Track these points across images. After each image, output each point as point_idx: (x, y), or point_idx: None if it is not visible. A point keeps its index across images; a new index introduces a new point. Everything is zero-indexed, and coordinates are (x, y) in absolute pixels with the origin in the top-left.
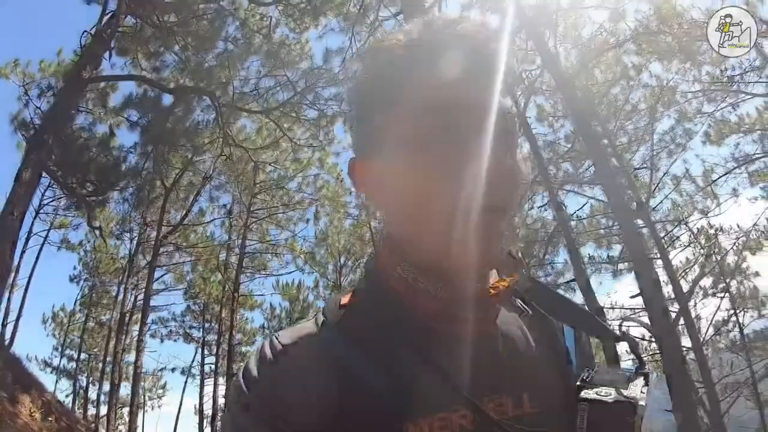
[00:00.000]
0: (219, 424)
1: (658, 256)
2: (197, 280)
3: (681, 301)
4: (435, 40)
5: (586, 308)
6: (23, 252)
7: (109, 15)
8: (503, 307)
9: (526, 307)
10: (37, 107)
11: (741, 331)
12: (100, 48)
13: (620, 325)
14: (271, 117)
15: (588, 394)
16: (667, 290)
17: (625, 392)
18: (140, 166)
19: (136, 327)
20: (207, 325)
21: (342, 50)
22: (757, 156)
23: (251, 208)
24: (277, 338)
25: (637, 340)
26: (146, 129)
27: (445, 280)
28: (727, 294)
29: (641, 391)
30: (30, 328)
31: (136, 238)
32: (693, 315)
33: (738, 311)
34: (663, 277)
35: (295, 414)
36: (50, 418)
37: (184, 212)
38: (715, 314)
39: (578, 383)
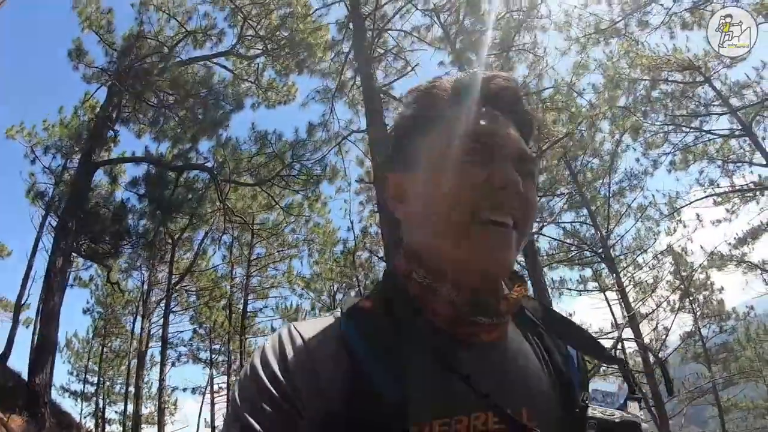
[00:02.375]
0: (230, 401)
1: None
2: (203, 308)
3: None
4: (473, 85)
5: (587, 330)
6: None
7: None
8: (513, 322)
9: (533, 325)
10: (45, 167)
11: (704, 343)
12: (105, 128)
13: (614, 348)
14: (264, 188)
15: (594, 413)
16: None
17: (626, 414)
18: (149, 228)
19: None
20: (214, 347)
21: (323, 123)
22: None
23: (251, 257)
24: (294, 327)
25: (627, 362)
26: (153, 200)
27: (460, 286)
28: (691, 309)
29: (640, 413)
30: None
31: (147, 282)
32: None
33: (701, 325)
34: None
35: (306, 399)
36: None
37: (189, 264)
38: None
39: (582, 402)
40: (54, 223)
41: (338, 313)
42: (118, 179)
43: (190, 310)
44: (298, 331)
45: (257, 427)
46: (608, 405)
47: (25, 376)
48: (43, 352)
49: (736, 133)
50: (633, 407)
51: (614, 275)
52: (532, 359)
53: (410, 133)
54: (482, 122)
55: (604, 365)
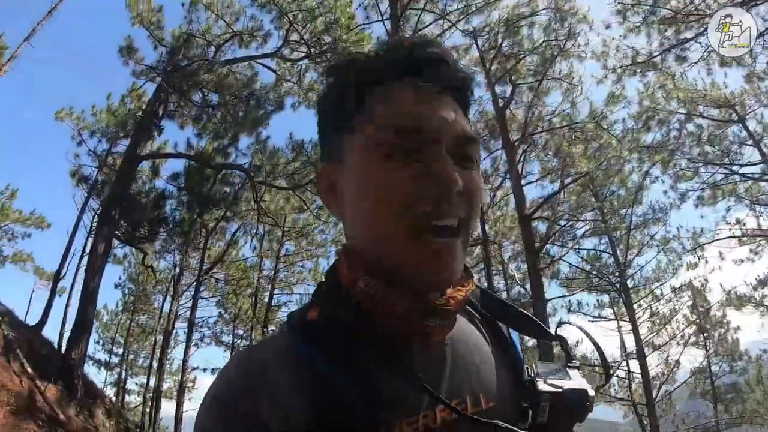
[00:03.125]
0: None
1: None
2: (230, 295)
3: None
4: (404, 60)
5: (526, 312)
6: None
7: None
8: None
9: (475, 312)
10: (90, 150)
11: (712, 381)
12: (151, 123)
13: (557, 328)
14: (297, 192)
15: (544, 386)
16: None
17: (571, 382)
18: (185, 218)
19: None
20: (237, 332)
21: None
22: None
23: (279, 253)
24: (249, 350)
25: (566, 338)
26: (191, 193)
27: (406, 294)
28: (705, 345)
29: (583, 380)
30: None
31: (179, 266)
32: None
33: (712, 363)
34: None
35: (269, 421)
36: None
37: (221, 253)
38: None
39: (530, 377)
40: (95, 205)
41: (286, 329)
42: (159, 171)
43: (217, 295)
44: (252, 355)
45: None
46: (554, 376)
47: (55, 344)
48: (80, 329)
49: (766, 177)
50: (574, 375)
51: (627, 306)
52: (482, 346)
53: (330, 120)
54: (408, 106)
55: (545, 341)
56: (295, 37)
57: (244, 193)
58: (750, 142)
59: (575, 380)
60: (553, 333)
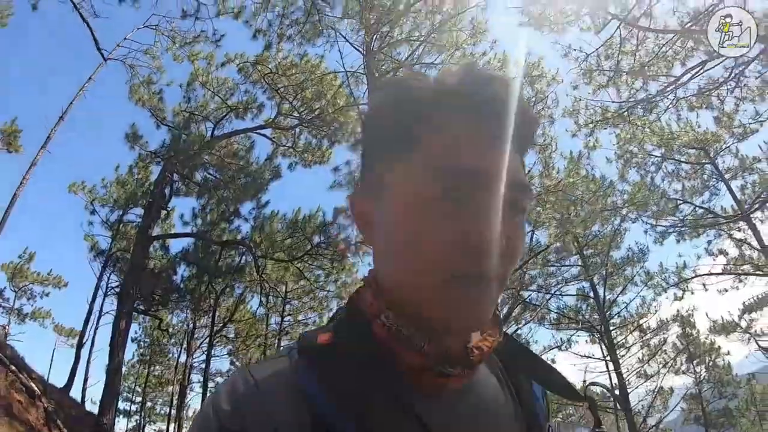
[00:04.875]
0: None
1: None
2: (240, 346)
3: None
4: (464, 96)
5: (555, 366)
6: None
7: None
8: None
9: (499, 360)
10: (103, 220)
11: (703, 408)
12: (159, 206)
13: (585, 388)
14: (295, 265)
15: None
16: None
17: None
18: (195, 287)
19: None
20: None
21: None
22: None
23: (284, 312)
24: (249, 372)
25: (597, 401)
26: (199, 267)
27: (430, 335)
28: (693, 372)
29: None
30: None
31: (191, 323)
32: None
33: (702, 389)
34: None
35: None
36: None
37: (230, 314)
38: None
39: None
40: (111, 275)
41: (295, 354)
42: (169, 247)
43: (229, 345)
44: (252, 376)
45: None
46: None
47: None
48: (109, 397)
49: (736, 218)
50: None
51: (609, 347)
52: (500, 396)
53: (377, 150)
54: (466, 144)
55: (572, 403)
56: (287, 105)
57: (248, 266)
58: (722, 183)
59: None
60: (583, 394)
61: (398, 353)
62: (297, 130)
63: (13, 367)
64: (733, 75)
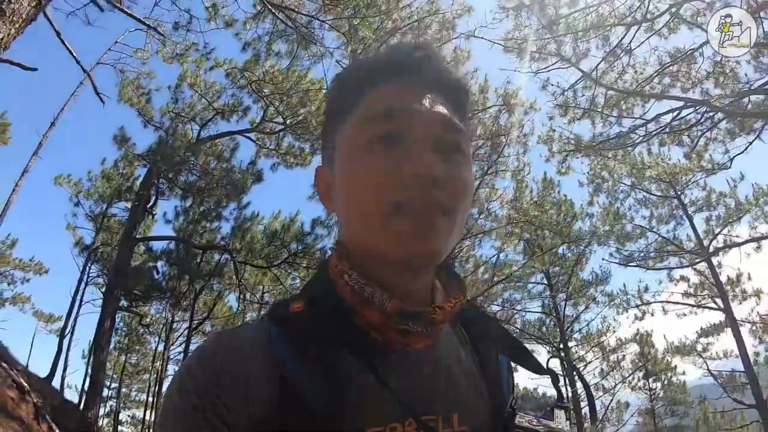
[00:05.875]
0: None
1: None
2: None
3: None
4: (398, 62)
5: (520, 340)
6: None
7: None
8: (444, 327)
9: (465, 331)
10: (87, 213)
11: (655, 424)
12: (144, 209)
13: (548, 361)
14: (273, 270)
15: (521, 421)
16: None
17: (552, 424)
18: (176, 287)
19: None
20: None
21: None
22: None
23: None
24: (223, 334)
25: (558, 375)
26: (180, 268)
27: (392, 292)
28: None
29: (566, 424)
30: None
31: (169, 323)
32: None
33: (656, 406)
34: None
35: (234, 408)
36: None
37: (208, 310)
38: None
39: (510, 409)
40: (93, 268)
41: (267, 319)
42: (152, 248)
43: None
44: (227, 339)
45: None
46: (535, 412)
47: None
48: (94, 392)
49: (697, 257)
50: (559, 416)
51: (567, 363)
52: (464, 363)
53: (330, 126)
54: (391, 100)
55: (535, 374)
56: (272, 110)
57: (227, 266)
58: (686, 217)
59: (558, 422)
60: (545, 366)
61: (361, 312)
62: (281, 134)
63: (5, 364)
64: (704, 118)
